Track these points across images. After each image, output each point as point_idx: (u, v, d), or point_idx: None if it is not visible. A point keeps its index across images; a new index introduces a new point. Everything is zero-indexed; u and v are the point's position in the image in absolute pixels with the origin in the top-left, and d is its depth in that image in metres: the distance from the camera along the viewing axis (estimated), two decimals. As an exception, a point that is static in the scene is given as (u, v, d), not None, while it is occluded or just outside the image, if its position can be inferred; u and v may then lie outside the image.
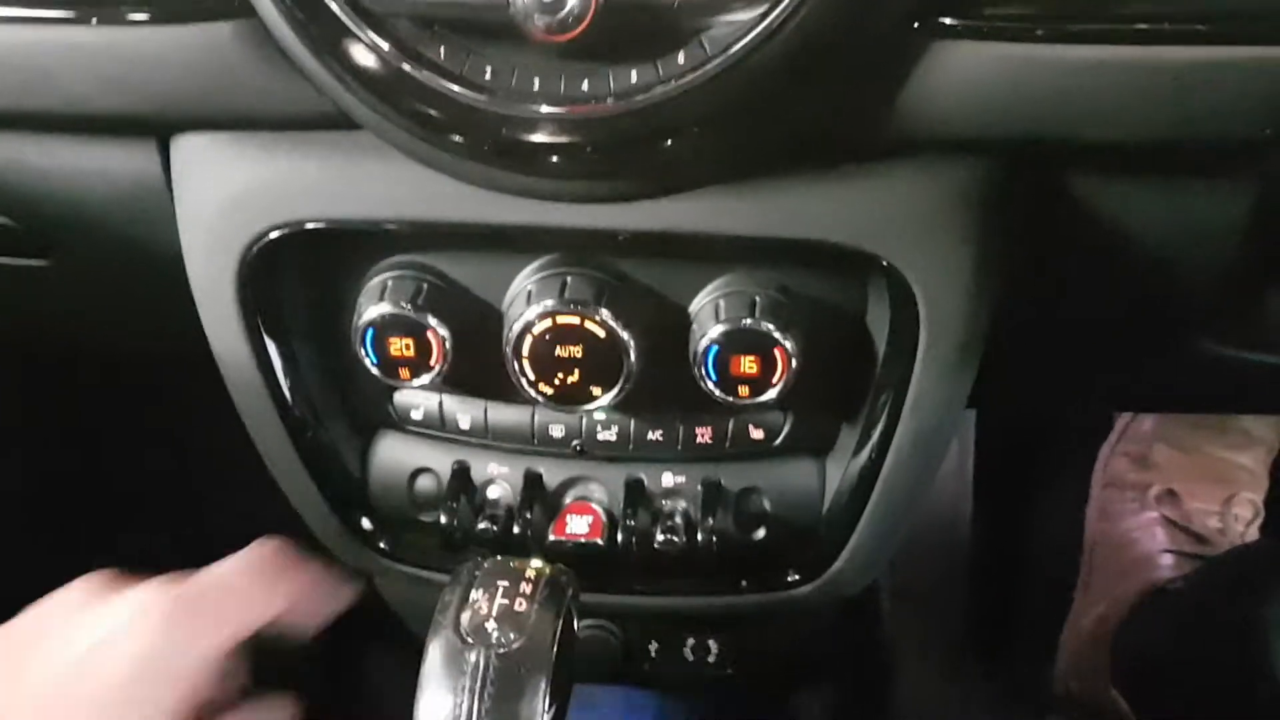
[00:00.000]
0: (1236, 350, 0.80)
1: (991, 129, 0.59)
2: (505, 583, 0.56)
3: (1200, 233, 0.68)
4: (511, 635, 0.53)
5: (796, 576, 0.81)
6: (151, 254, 0.73)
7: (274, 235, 0.66)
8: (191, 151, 0.67)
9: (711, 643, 0.90)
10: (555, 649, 0.54)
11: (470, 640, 0.53)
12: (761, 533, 0.80)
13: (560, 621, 0.55)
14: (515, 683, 0.52)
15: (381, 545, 0.84)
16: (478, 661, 0.52)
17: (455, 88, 0.57)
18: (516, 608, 0.55)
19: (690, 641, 0.90)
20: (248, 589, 0.57)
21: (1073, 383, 0.94)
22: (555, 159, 0.59)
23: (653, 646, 0.90)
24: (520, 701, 0.52)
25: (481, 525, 0.77)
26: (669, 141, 0.58)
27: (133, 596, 0.54)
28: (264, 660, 0.58)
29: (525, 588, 0.56)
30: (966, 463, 1.42)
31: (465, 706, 0.52)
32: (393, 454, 0.81)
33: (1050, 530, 1.42)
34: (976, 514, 1.40)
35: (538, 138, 0.58)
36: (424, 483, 0.81)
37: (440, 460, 0.80)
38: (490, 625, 0.54)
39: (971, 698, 1.34)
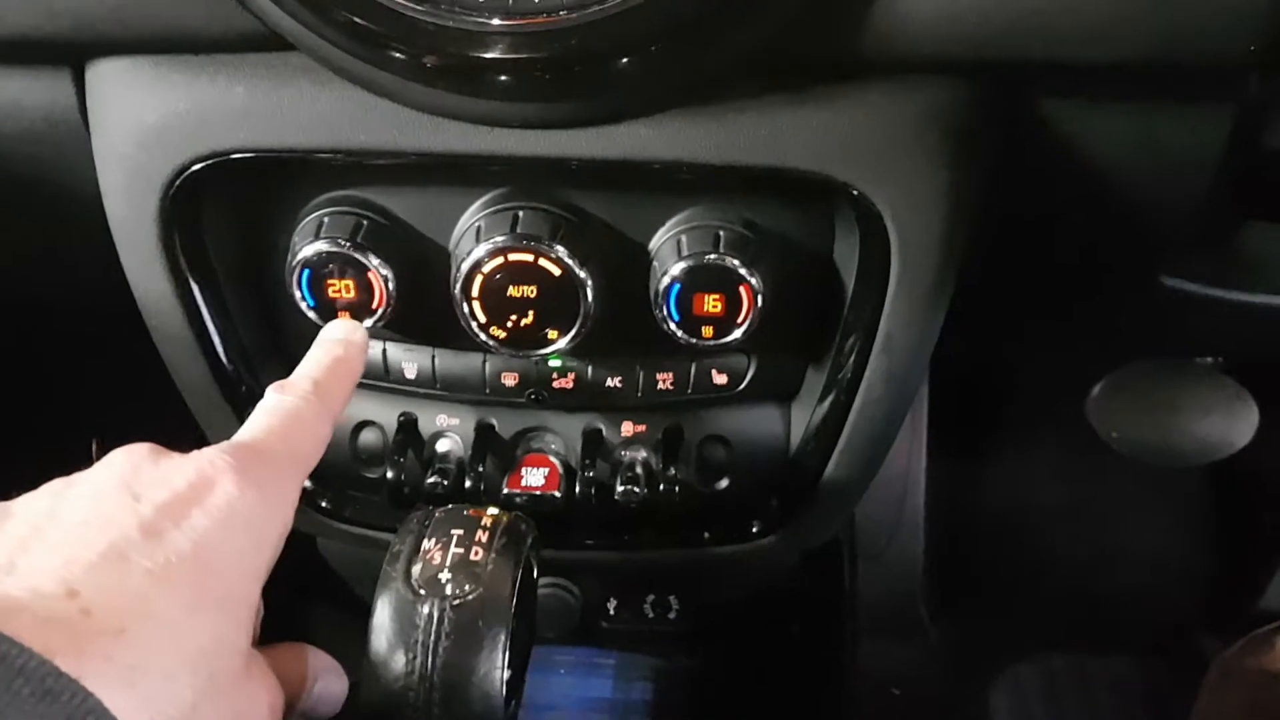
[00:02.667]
0: (1202, 287, 0.79)
1: (963, 48, 0.57)
2: (460, 531, 0.52)
3: (1174, 162, 0.66)
4: (467, 586, 0.50)
5: (760, 527, 0.79)
6: (67, 194, 0.68)
7: (198, 167, 0.62)
8: (108, 79, 0.63)
9: (672, 599, 0.88)
10: (515, 600, 0.50)
11: (423, 592, 0.50)
12: (725, 482, 0.78)
13: (519, 570, 0.51)
14: (472, 636, 0.48)
15: (323, 504, 0.80)
16: (430, 614, 0.49)
17: None
18: (472, 557, 0.51)
19: (650, 598, 0.87)
20: (295, 430, 0.52)
21: (1035, 323, 0.92)
22: (504, 78, 0.56)
23: (612, 604, 0.87)
24: (478, 656, 0.48)
25: (431, 480, 0.74)
26: (626, 59, 0.55)
27: (195, 455, 0.47)
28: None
29: (481, 536, 0.52)
30: (920, 415, 1.40)
31: (418, 663, 0.48)
32: None
33: (1005, 484, 1.41)
34: (931, 468, 1.40)
35: (485, 54, 0.54)
36: (368, 436, 0.77)
37: (385, 413, 0.77)
38: (444, 576, 0.50)
39: (927, 653, 1.34)
